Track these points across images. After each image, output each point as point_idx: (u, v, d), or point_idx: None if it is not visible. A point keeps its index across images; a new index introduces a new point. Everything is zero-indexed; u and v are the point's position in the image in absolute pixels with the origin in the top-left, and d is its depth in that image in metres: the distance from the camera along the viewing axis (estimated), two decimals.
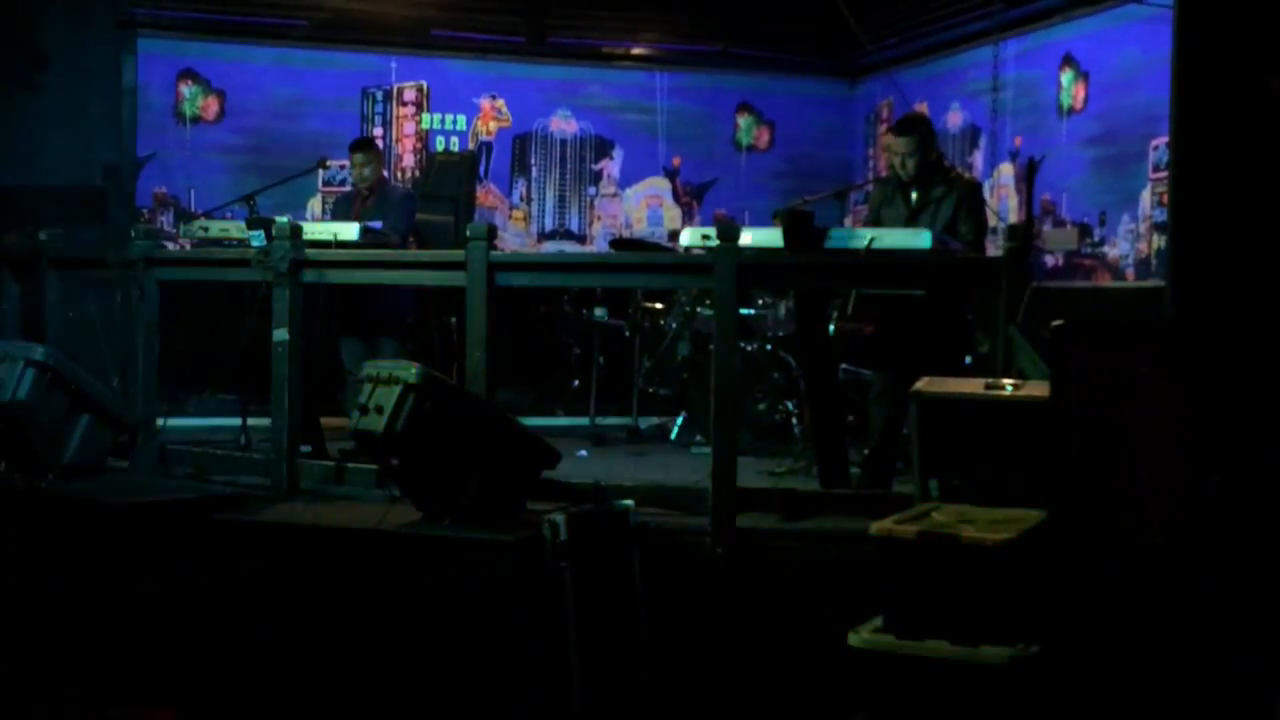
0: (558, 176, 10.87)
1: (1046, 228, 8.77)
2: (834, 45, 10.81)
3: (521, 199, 10.83)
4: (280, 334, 5.94)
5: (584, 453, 7.47)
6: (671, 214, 11.02)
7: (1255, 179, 4.62)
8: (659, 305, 8.30)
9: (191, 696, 5.06)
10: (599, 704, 4.67)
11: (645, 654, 4.94)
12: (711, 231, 5.49)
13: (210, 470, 6.45)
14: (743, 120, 11.15)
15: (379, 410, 4.92)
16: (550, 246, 10.75)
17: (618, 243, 9.90)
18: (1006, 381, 4.67)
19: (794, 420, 7.45)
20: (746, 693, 4.99)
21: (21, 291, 6.96)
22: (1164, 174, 7.65)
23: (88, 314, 6.93)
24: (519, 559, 4.68)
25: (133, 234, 6.80)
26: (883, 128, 10.46)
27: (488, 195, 10.62)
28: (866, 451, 6.18)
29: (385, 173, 8.53)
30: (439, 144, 10.55)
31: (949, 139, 9.87)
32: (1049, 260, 8.77)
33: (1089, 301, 8.34)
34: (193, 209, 9.65)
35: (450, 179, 9.64)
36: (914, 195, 6.10)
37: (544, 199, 10.87)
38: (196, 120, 10.08)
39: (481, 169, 10.58)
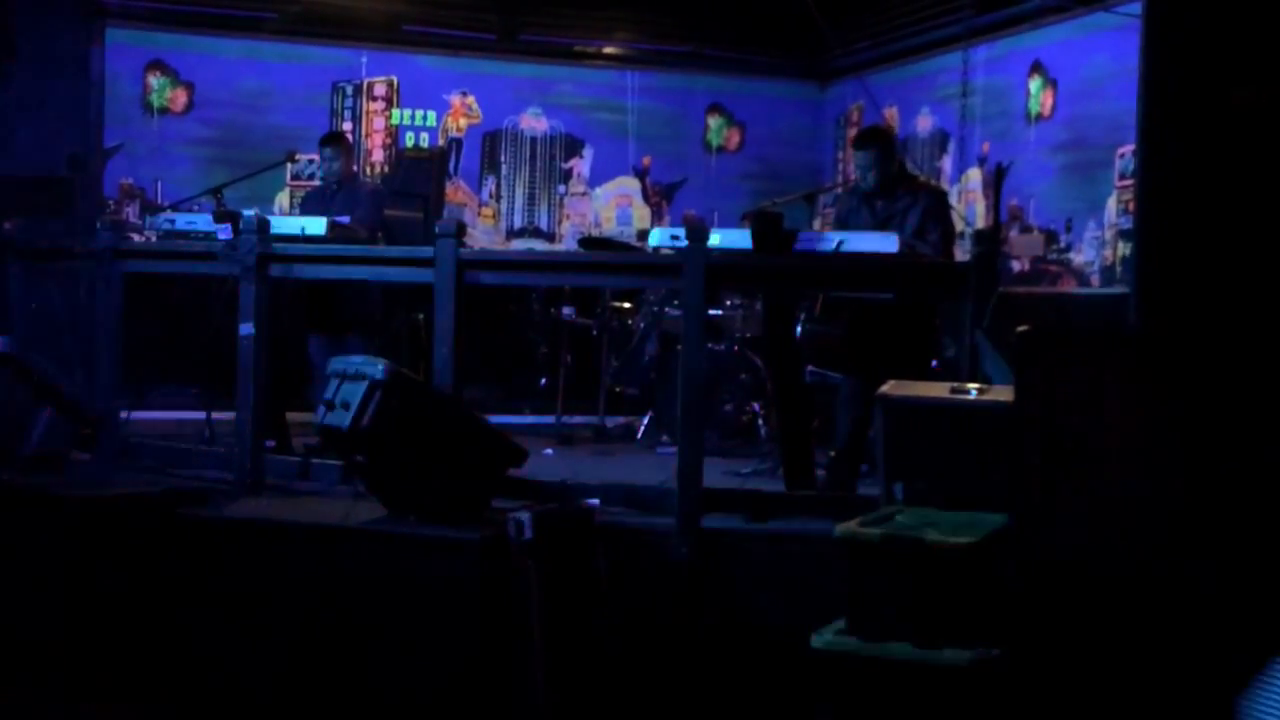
0: (527, 174, 10.86)
1: (1013, 233, 8.82)
2: (805, 48, 10.84)
3: (491, 196, 10.81)
4: (246, 328, 5.91)
5: (550, 451, 7.48)
6: (641, 213, 11.03)
7: (1220, 189, 4.66)
8: (627, 305, 8.31)
9: (154, 692, 5.04)
10: (562, 702, 4.68)
11: (609, 653, 4.94)
12: (680, 232, 5.50)
13: (174, 464, 6.42)
14: (713, 121, 11.17)
15: (345, 406, 4.91)
16: (519, 244, 10.74)
17: (586, 241, 9.90)
18: (971, 386, 4.70)
19: (760, 422, 7.47)
20: (709, 693, 5.01)
21: None
22: (1130, 182, 7.71)
23: (51, 305, 6.87)
24: (484, 556, 4.69)
25: (98, 225, 6.75)
26: (852, 131, 10.49)
27: (457, 192, 10.60)
28: (832, 454, 6.21)
29: (355, 168, 8.51)
30: (409, 140, 10.51)
31: (918, 143, 9.92)
32: (1015, 266, 8.83)
33: (1054, 307, 8.39)
34: (159, 201, 9.59)
35: (420, 175, 9.62)
36: (878, 205, 6.13)
37: (513, 197, 10.86)
38: (164, 111, 10.02)
39: (451, 166, 10.55)
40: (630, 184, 11.06)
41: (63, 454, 6.15)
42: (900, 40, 10.05)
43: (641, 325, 8.12)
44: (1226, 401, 3.43)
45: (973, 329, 5.21)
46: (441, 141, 10.54)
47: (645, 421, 8.03)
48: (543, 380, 9.00)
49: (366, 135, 10.46)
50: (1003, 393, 4.45)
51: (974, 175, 9.28)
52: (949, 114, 9.46)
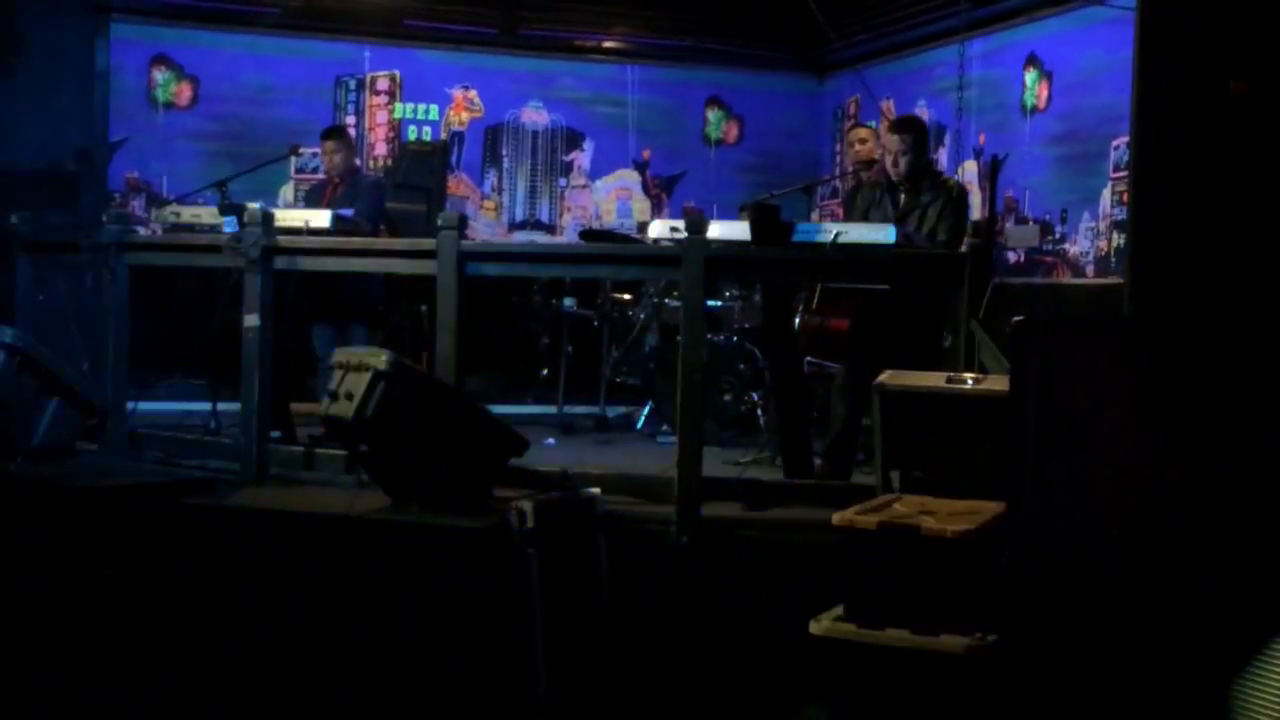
0: (529, 167, 10.89)
1: (1009, 224, 8.87)
2: (803, 41, 10.87)
3: (492, 189, 10.84)
4: (251, 320, 5.96)
5: (551, 441, 7.50)
6: (641, 206, 11.06)
7: (1213, 180, 4.70)
8: (627, 296, 8.34)
9: (159, 680, 5.08)
10: (563, 690, 4.71)
11: (609, 640, 4.98)
12: (680, 224, 5.54)
13: (180, 454, 6.46)
14: (712, 114, 11.20)
15: (349, 397, 4.95)
16: (520, 237, 10.77)
17: (587, 234, 9.94)
18: (968, 375, 4.74)
19: (759, 411, 7.51)
20: (709, 680, 5.04)
21: None
22: (1124, 173, 7.75)
23: (58, 298, 6.90)
24: (486, 545, 4.71)
25: (104, 218, 6.80)
26: (849, 123, 10.53)
27: (459, 185, 10.63)
28: (828, 442, 6.25)
29: (357, 161, 8.54)
30: (411, 133, 10.54)
31: None
32: (1011, 256, 8.87)
33: (1049, 297, 8.44)
34: (165, 194, 9.62)
35: (422, 168, 9.65)
36: (902, 198, 6.15)
37: (515, 189, 10.89)
38: (169, 106, 10.05)
39: (453, 159, 10.58)
40: (630, 177, 11.09)
41: (70, 445, 6.18)
42: (897, 33, 10.08)
43: (642, 316, 8.16)
44: (1220, 389, 3.45)
45: (968, 319, 5.26)
46: (443, 135, 10.57)
47: (645, 411, 8.08)
48: (544, 371, 9.03)
49: (369, 129, 10.49)
50: (998, 382, 4.49)
51: (970, 167, 9.31)
52: (945, 106, 9.49)
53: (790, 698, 4.61)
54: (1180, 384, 3.49)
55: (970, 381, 4.66)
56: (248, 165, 7.67)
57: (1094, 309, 7.90)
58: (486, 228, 10.64)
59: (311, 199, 7.92)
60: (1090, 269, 8.25)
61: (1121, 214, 7.83)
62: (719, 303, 7.79)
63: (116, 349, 6.48)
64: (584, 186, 11.00)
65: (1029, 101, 8.83)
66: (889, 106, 10.08)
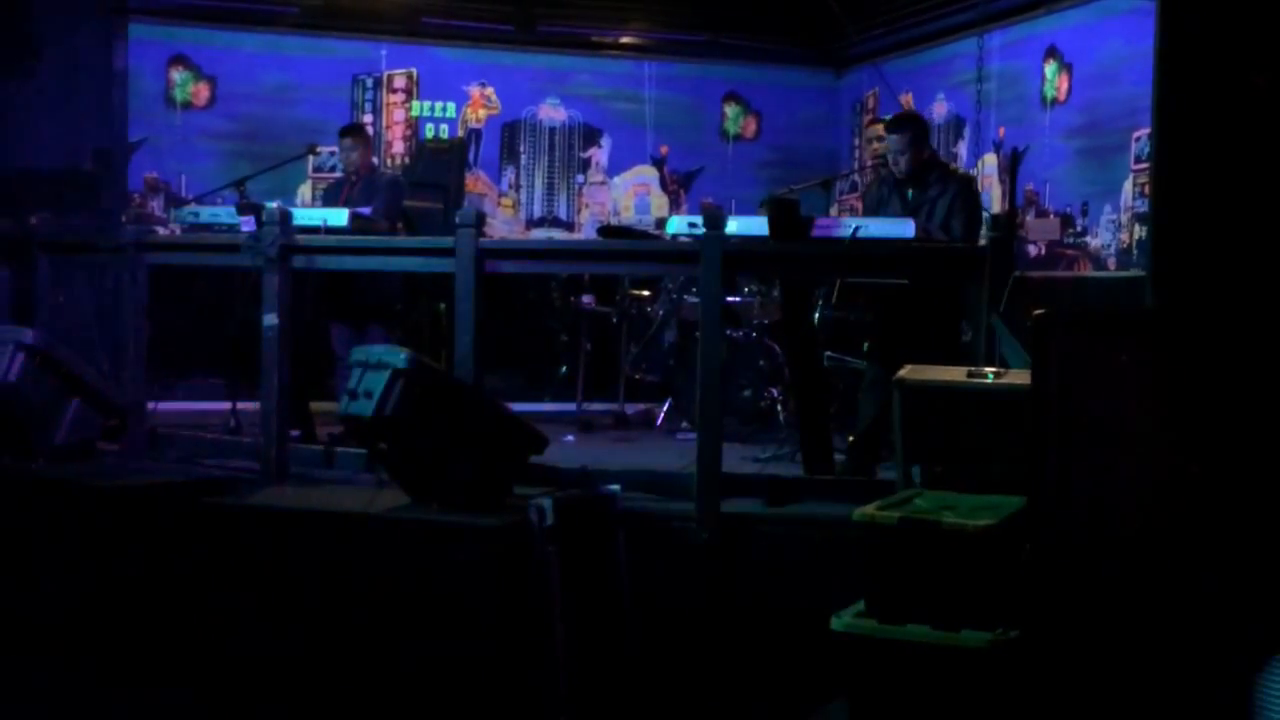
0: (546, 164, 10.90)
1: (1029, 218, 8.83)
2: (820, 36, 10.85)
3: (510, 186, 10.85)
4: (270, 319, 5.97)
5: (571, 438, 7.51)
6: (659, 202, 11.05)
7: (1236, 173, 4.67)
8: (646, 292, 8.34)
9: (181, 677, 5.10)
10: (584, 687, 4.71)
11: (630, 637, 4.98)
12: (698, 219, 5.52)
13: (200, 454, 6.48)
14: (730, 109, 11.18)
15: (368, 395, 4.96)
16: (539, 234, 10.78)
17: (605, 230, 9.94)
18: (989, 370, 4.72)
19: (779, 407, 7.50)
20: (729, 676, 5.04)
21: (12, 275, 6.98)
22: (1145, 165, 7.71)
23: (78, 298, 6.94)
24: (506, 543, 4.72)
25: (123, 219, 6.83)
26: (868, 118, 10.51)
27: (477, 182, 10.64)
28: (851, 438, 6.23)
29: (375, 159, 8.55)
30: (428, 131, 10.56)
31: (934, 129, 9.91)
32: (1031, 250, 8.83)
33: (1071, 291, 8.40)
34: (183, 194, 9.65)
35: (439, 166, 9.67)
36: (910, 193, 6.13)
37: (533, 186, 10.90)
38: (187, 106, 10.09)
39: (471, 156, 10.59)
40: (648, 173, 11.09)
41: (91, 444, 6.21)
42: (916, 27, 10.05)
43: (660, 312, 8.15)
44: (1244, 383, 3.43)
45: (989, 313, 5.23)
46: (461, 132, 10.58)
47: (665, 408, 8.07)
48: (563, 368, 9.04)
49: (387, 127, 10.51)
50: (1019, 376, 4.46)
51: (990, 160, 9.28)
52: (964, 100, 9.46)
53: (811, 694, 4.59)
54: (1203, 377, 3.47)
55: (991, 376, 4.63)
56: (266, 165, 7.68)
57: (1116, 302, 7.86)
58: (504, 225, 10.64)
59: (329, 197, 7.93)
60: (1112, 262, 8.21)
61: (1143, 206, 7.79)
62: (738, 298, 7.78)
63: (136, 349, 6.50)
64: (602, 183, 11.00)
65: (1049, 94, 8.79)
66: (908, 100, 10.05)
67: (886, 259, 5.55)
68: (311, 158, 9.53)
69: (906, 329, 5.90)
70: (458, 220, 5.84)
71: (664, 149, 11.07)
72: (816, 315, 6.52)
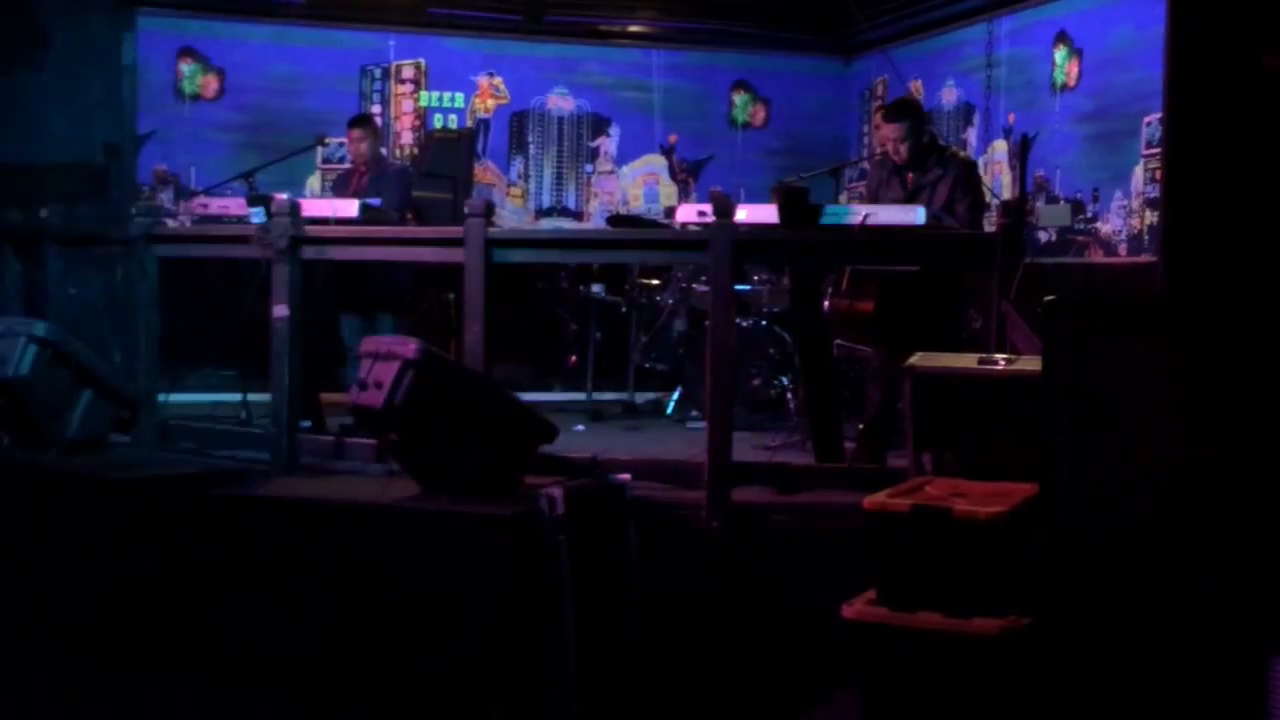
0: (555, 154, 10.88)
1: (1040, 204, 8.80)
2: (829, 23, 10.81)
3: (519, 176, 10.84)
4: (280, 310, 5.98)
5: (581, 427, 7.51)
6: (668, 191, 11.04)
7: (1248, 157, 4.64)
8: (655, 281, 8.34)
9: (191, 668, 5.11)
10: (595, 676, 4.72)
11: (640, 626, 4.98)
12: (707, 208, 5.52)
13: (211, 445, 6.51)
14: (738, 98, 11.16)
15: (378, 385, 4.96)
16: (547, 223, 10.76)
17: (615, 220, 9.94)
18: (999, 357, 4.71)
19: (789, 395, 7.50)
20: (740, 665, 5.04)
21: (23, 268, 7.01)
22: (1157, 150, 7.68)
23: (89, 290, 6.97)
24: (516, 532, 4.72)
25: (133, 211, 6.83)
26: (877, 104, 10.47)
27: (485, 172, 10.64)
28: (861, 426, 6.23)
29: (383, 150, 8.55)
30: (437, 121, 10.55)
31: (943, 116, 9.89)
32: (1042, 236, 8.80)
33: (1082, 277, 8.37)
34: (193, 186, 9.65)
35: (448, 156, 9.65)
36: (909, 177, 6.12)
37: (541, 176, 10.89)
38: (196, 98, 10.09)
39: (479, 146, 10.58)
40: (657, 162, 11.07)
41: (102, 437, 6.23)
42: (925, 13, 10.01)
43: (670, 301, 8.15)
44: (1256, 369, 3.42)
45: (1000, 300, 5.22)
46: (469, 122, 10.58)
47: (674, 396, 8.07)
48: (572, 357, 9.04)
49: (395, 118, 10.50)
50: (1030, 363, 4.46)
51: (1000, 147, 9.25)
52: (974, 86, 9.43)
53: (822, 682, 4.60)
54: (1215, 363, 3.46)
55: (1002, 363, 4.63)
56: (275, 156, 7.69)
57: (1127, 288, 7.84)
58: (513, 215, 10.64)
59: (338, 188, 7.94)
60: (1123, 248, 8.19)
61: (1154, 192, 7.76)
62: (747, 286, 7.77)
63: (147, 341, 6.52)
64: (610, 172, 10.99)
65: (1059, 79, 8.76)
66: (917, 87, 10.02)
67: (897, 246, 5.54)
68: (320, 149, 9.55)
69: (912, 315, 5.89)
70: (466, 210, 5.84)
71: (673, 138, 11.05)
72: (826, 303, 6.51)
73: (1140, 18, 7.75)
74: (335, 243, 6.25)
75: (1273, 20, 4.50)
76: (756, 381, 7.63)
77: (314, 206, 6.43)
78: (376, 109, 10.36)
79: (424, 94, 10.55)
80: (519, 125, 10.79)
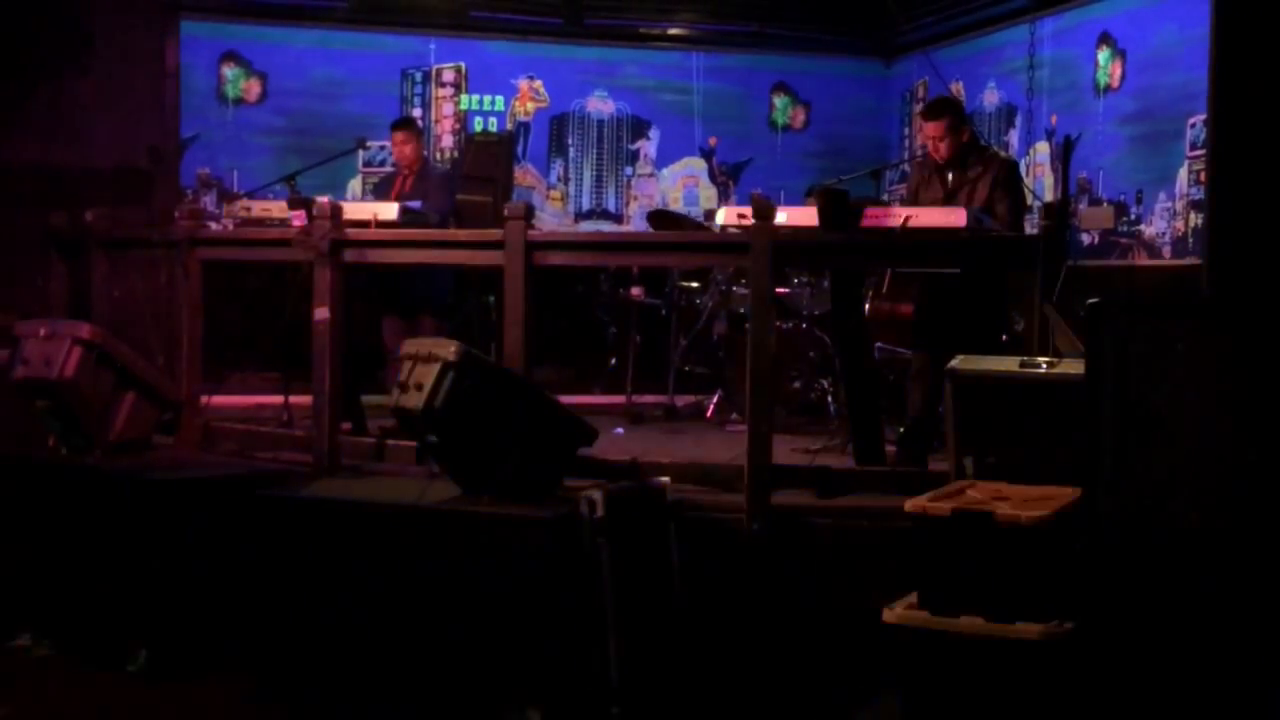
0: (595, 156, 10.90)
1: (1083, 206, 8.74)
2: (870, 24, 10.79)
3: (559, 179, 10.87)
4: (321, 313, 6.00)
5: (621, 430, 7.51)
6: (707, 193, 11.04)
7: None
8: (695, 284, 8.33)
9: (237, 668, 5.14)
10: (635, 678, 4.71)
11: (681, 629, 4.98)
12: (747, 211, 5.51)
13: (253, 447, 6.54)
14: (778, 100, 11.14)
15: (418, 388, 4.97)
16: (587, 226, 10.78)
17: (655, 216, 9.94)
18: (1042, 360, 4.68)
19: (829, 398, 7.48)
20: (780, 667, 5.03)
21: (69, 271, 7.06)
22: (1201, 152, 7.61)
23: (133, 293, 7.02)
24: (556, 535, 4.72)
25: (177, 214, 6.87)
26: (918, 106, 10.43)
27: (525, 175, 10.67)
28: (902, 429, 6.20)
29: (425, 153, 8.59)
30: (477, 125, 10.59)
31: (985, 117, 9.84)
32: (1085, 239, 8.75)
33: (1125, 280, 8.32)
34: (235, 189, 9.73)
35: (488, 159, 9.69)
36: (950, 176, 6.10)
37: (581, 179, 10.91)
38: (239, 102, 10.17)
39: (519, 149, 10.62)
40: (697, 164, 11.07)
41: (146, 438, 6.27)
42: (966, 14, 9.97)
43: (710, 304, 8.14)
44: None
45: (1042, 302, 5.18)
46: (510, 126, 10.61)
47: (714, 399, 8.06)
48: (612, 360, 9.05)
49: (436, 121, 10.55)
50: (1073, 366, 4.43)
51: (1042, 149, 9.20)
52: (1016, 88, 9.38)
53: (863, 686, 4.58)
54: (1260, 366, 3.43)
55: (1045, 366, 4.60)
56: (316, 159, 7.73)
57: (1171, 291, 7.78)
58: (553, 217, 10.66)
59: (380, 191, 7.97)
60: (1167, 250, 8.12)
61: (1199, 194, 7.69)
62: (787, 289, 7.75)
63: (190, 343, 6.56)
64: (650, 175, 10.99)
65: (1102, 81, 8.70)
66: (958, 89, 9.97)
67: (937, 249, 5.51)
68: (361, 152, 9.60)
69: (954, 317, 5.86)
70: (506, 213, 5.84)
71: (713, 140, 11.05)
72: (866, 306, 6.49)
73: (1185, 18, 7.70)
74: (376, 245, 6.27)
75: None
76: (797, 384, 7.62)
77: (355, 210, 6.46)
78: (417, 112, 10.41)
79: (464, 97, 10.60)
80: (559, 128, 10.81)
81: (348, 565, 5.02)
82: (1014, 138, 9.52)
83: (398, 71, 10.49)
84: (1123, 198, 8.52)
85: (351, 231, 6.15)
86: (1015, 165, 6.44)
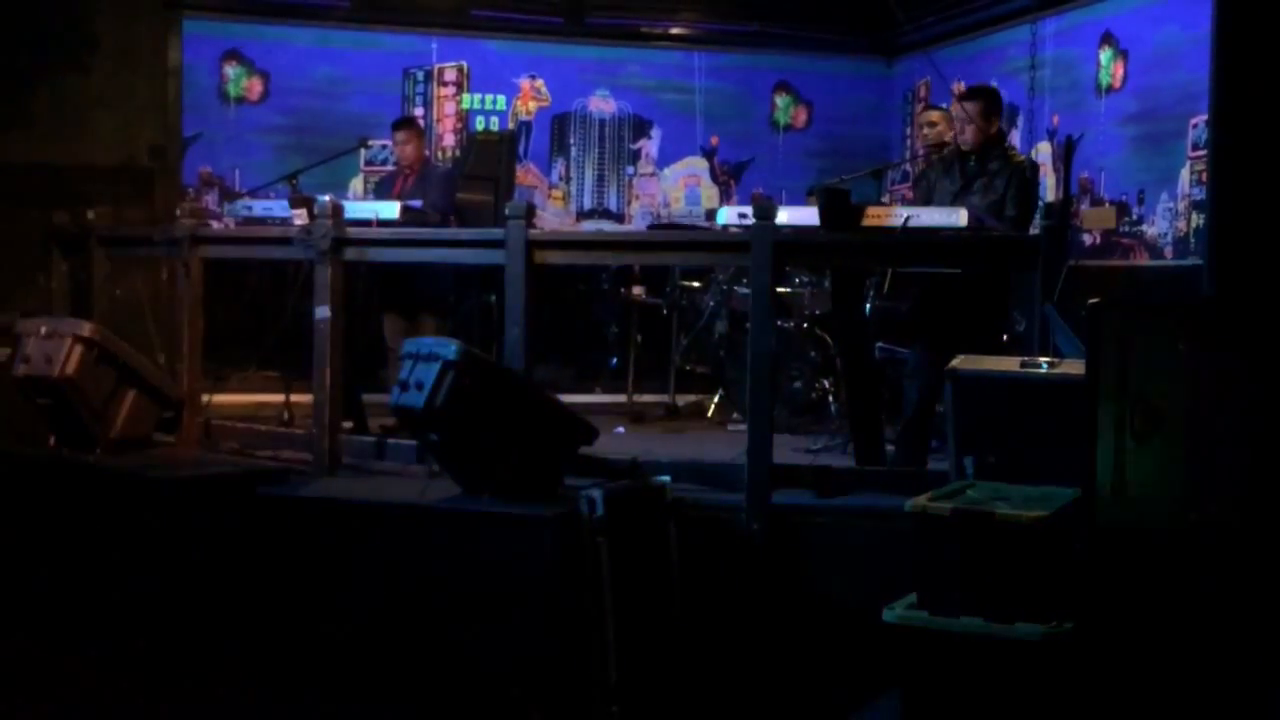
0: (596, 156, 10.90)
1: (1084, 206, 8.73)
2: (871, 24, 10.77)
3: (560, 178, 10.86)
4: (322, 311, 6.01)
5: (621, 429, 7.52)
6: (709, 193, 11.03)
7: None
8: (696, 284, 8.33)
9: (238, 665, 5.15)
10: (635, 677, 4.72)
11: (680, 628, 4.98)
12: (748, 210, 5.51)
13: (254, 445, 6.54)
14: (780, 99, 11.13)
15: (419, 386, 4.98)
16: (589, 225, 10.77)
17: (656, 229, 9.96)
18: (1042, 360, 4.68)
19: (830, 398, 7.48)
20: (780, 667, 5.03)
21: (70, 269, 7.07)
22: (1203, 152, 7.60)
23: (134, 291, 7.02)
24: (556, 533, 4.74)
25: (178, 213, 6.88)
26: (920, 106, 10.41)
27: (527, 175, 10.66)
28: (901, 429, 6.20)
29: (426, 152, 8.58)
30: (479, 124, 10.59)
31: None
32: (1087, 239, 8.74)
33: (1126, 280, 8.30)
34: (237, 188, 9.73)
35: (490, 158, 9.67)
36: (970, 164, 6.08)
37: (583, 178, 10.90)
38: (241, 101, 10.16)
39: (521, 149, 10.60)
40: (698, 164, 11.06)
41: (146, 436, 6.28)
42: (968, 14, 9.96)
43: (711, 303, 8.14)
44: None
45: (1043, 302, 5.18)
46: (511, 125, 10.61)
47: (715, 399, 8.06)
48: (613, 359, 9.05)
49: (437, 120, 10.54)
50: (1074, 366, 4.43)
51: (1044, 148, 9.19)
52: (1018, 88, 9.37)
53: (862, 686, 4.58)
54: (1261, 367, 3.43)
55: (1045, 366, 4.60)
56: (318, 158, 7.73)
57: (1172, 291, 7.77)
58: (555, 217, 10.65)
59: (382, 190, 7.98)
60: (1169, 250, 8.11)
61: (1201, 194, 7.68)
62: (788, 289, 7.75)
63: (191, 341, 6.57)
64: (652, 174, 10.99)
65: (1104, 80, 8.69)
66: (960, 88, 9.96)
67: (938, 249, 5.51)
68: (363, 151, 9.59)
69: (954, 316, 5.86)
70: (508, 212, 5.85)
71: (714, 140, 11.04)
72: (867, 306, 6.48)
73: (1186, 18, 7.69)
74: (377, 244, 6.27)
75: None
76: (797, 384, 7.61)
77: (357, 208, 6.46)
78: (419, 111, 10.40)
79: (466, 96, 10.59)
80: (560, 127, 10.81)
81: (348, 564, 5.03)
82: (1016, 137, 9.50)
83: (399, 70, 10.48)
84: (1124, 198, 8.51)
85: (353, 230, 6.16)
86: (1035, 169, 6.40)
